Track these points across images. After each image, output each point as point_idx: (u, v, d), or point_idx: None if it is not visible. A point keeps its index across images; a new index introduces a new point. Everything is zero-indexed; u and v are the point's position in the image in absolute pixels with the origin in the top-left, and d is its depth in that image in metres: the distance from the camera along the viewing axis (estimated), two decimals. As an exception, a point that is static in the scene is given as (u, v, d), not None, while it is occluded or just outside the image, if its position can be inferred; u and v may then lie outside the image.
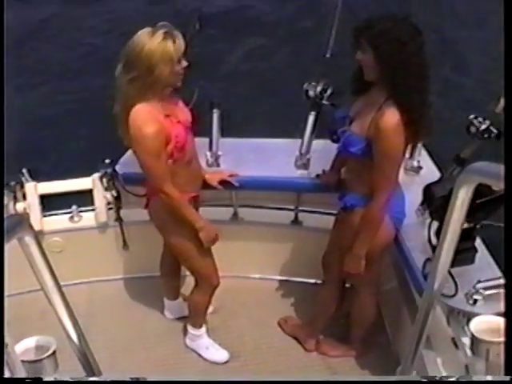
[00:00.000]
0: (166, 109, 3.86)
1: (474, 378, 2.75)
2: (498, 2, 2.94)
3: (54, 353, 2.62)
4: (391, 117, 3.56)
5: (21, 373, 2.32)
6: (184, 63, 3.74)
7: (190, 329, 4.70)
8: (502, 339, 2.72)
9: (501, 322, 2.82)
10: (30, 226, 2.41)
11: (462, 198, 2.59)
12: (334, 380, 2.95)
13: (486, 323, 2.86)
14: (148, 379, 2.29)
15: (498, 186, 2.78)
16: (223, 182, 4.47)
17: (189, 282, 4.74)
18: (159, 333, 4.90)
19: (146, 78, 3.69)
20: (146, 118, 3.75)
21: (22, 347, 2.62)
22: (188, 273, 4.69)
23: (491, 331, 2.80)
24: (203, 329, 4.70)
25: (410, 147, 3.85)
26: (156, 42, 3.64)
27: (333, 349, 4.68)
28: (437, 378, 2.79)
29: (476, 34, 10.32)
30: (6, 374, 2.18)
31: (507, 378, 2.10)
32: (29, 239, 2.38)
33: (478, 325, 2.85)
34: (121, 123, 3.87)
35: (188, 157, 4.03)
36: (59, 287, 2.54)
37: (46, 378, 2.51)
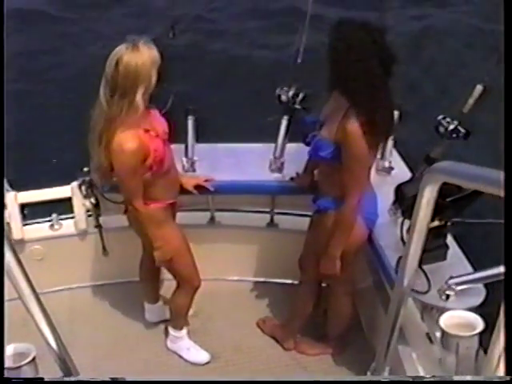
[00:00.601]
0: (144, 123, 3.86)
1: (474, 378, 2.76)
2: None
3: (33, 359, 2.61)
4: (355, 122, 3.62)
5: None
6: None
7: (171, 331, 4.70)
8: (471, 333, 2.75)
9: (470, 316, 2.85)
10: (6, 236, 2.40)
11: (427, 197, 2.61)
12: (315, 380, 2.96)
13: (456, 318, 2.89)
14: (127, 379, 2.30)
15: (463, 184, 2.81)
16: (199, 187, 4.47)
17: (168, 285, 4.74)
18: (140, 336, 4.90)
19: (135, 91, 3.69)
20: (127, 134, 3.75)
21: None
22: (167, 276, 4.69)
23: (461, 326, 2.83)
24: (184, 331, 4.70)
25: (378, 147, 3.88)
26: (141, 59, 3.65)
27: (311, 347, 4.70)
28: (435, 379, 2.80)
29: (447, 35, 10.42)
30: None
31: (507, 378, 2.12)
32: (5, 249, 2.37)
33: (448, 319, 2.88)
34: (99, 144, 3.84)
35: (166, 167, 4.03)
36: (36, 295, 2.54)
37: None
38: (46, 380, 2.44)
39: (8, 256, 2.38)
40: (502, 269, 2.77)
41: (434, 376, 3.39)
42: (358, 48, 3.57)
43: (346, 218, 3.89)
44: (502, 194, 2.07)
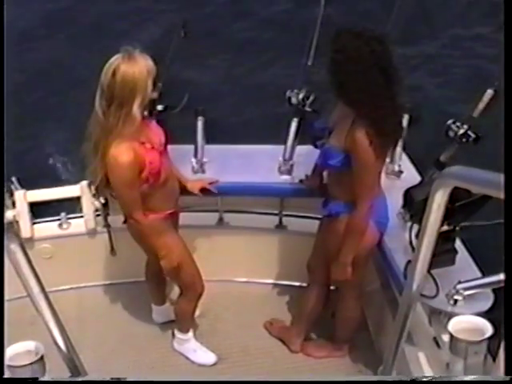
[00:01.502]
0: (140, 135, 3.84)
1: (474, 378, 2.75)
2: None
3: (41, 358, 2.61)
4: (363, 131, 3.63)
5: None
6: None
7: (177, 333, 4.70)
8: (480, 338, 2.74)
9: (479, 321, 2.84)
10: (16, 234, 2.41)
11: (438, 202, 2.61)
12: (321, 380, 2.96)
13: (465, 323, 2.88)
14: (128, 379, 2.30)
15: (473, 189, 2.80)
16: (204, 190, 4.46)
17: (175, 287, 4.74)
18: (147, 337, 4.89)
19: (125, 108, 3.68)
20: (122, 147, 3.74)
21: (11, 352, 2.61)
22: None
23: (470, 331, 2.83)
24: (190, 333, 4.69)
25: (387, 154, 3.88)
26: (136, 69, 3.64)
27: (318, 350, 4.68)
28: (435, 379, 2.80)
29: (457, 40, 10.37)
30: None
31: (507, 378, 2.11)
32: (14, 247, 2.37)
33: (456, 324, 2.87)
34: (95, 155, 3.83)
35: (163, 178, 4.01)
36: (45, 294, 2.54)
37: (42, 378, 2.52)
38: (45, 380, 2.45)
39: (18, 254, 2.38)
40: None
41: (433, 376, 3.38)
42: (355, 58, 3.57)
43: (356, 224, 3.89)
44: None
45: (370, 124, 3.61)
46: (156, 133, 4.03)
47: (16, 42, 9.95)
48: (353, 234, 3.92)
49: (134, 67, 3.63)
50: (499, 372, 2.34)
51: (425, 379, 2.74)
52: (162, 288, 4.91)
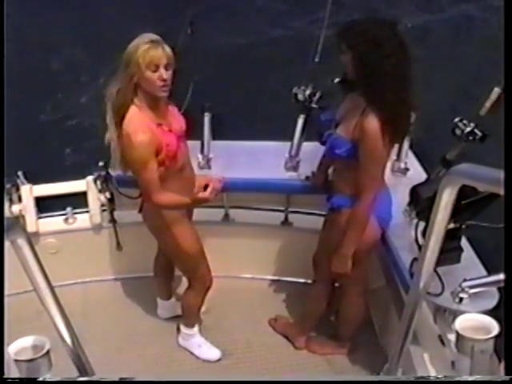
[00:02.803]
0: (158, 117, 3.85)
1: (474, 378, 2.74)
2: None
3: (47, 352, 2.61)
4: (373, 119, 3.60)
5: (13, 374, 2.32)
6: (163, 74, 3.68)
7: (182, 328, 4.71)
8: (486, 337, 2.73)
9: (485, 319, 2.83)
10: (23, 229, 2.40)
11: (446, 200, 2.59)
12: (321, 380, 2.95)
13: (471, 321, 2.86)
14: (136, 379, 2.29)
15: (481, 187, 2.79)
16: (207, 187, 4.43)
17: (182, 282, 4.74)
18: (152, 332, 4.89)
19: (125, 76, 3.71)
20: (137, 126, 3.73)
21: (17, 347, 2.61)
22: (181, 273, 4.68)
23: (476, 329, 2.81)
24: (196, 328, 4.70)
25: (395, 148, 3.87)
26: (136, 43, 3.67)
27: (322, 347, 4.68)
28: (436, 379, 2.79)
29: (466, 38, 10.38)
30: None
31: (507, 378, 2.10)
32: (21, 242, 2.37)
33: (463, 322, 2.85)
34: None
35: (180, 164, 4.00)
36: (52, 289, 2.53)
37: (41, 378, 2.51)
38: (44, 380, 2.45)
39: (25, 249, 2.38)
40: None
41: (435, 376, 3.38)
42: (386, 45, 3.55)
43: (359, 216, 3.88)
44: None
45: (384, 112, 3.59)
46: (177, 119, 4.05)
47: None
48: (355, 225, 3.90)
49: (135, 43, 3.67)
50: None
51: (425, 379, 2.73)
52: (169, 282, 4.92)
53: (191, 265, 4.37)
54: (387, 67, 3.55)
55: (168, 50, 3.71)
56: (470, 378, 2.72)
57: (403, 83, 3.64)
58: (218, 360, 4.65)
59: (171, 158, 3.89)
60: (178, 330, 4.76)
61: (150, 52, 3.63)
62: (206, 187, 4.20)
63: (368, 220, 3.89)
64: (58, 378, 2.38)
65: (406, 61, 3.63)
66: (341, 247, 3.97)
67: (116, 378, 2.24)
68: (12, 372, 2.29)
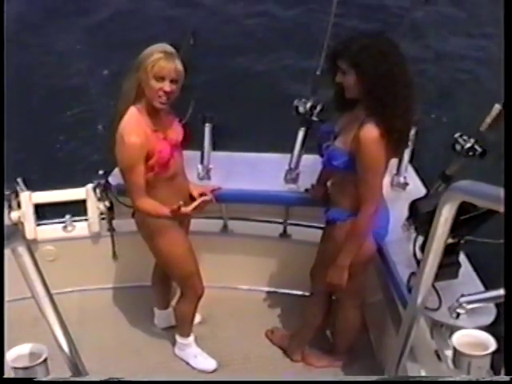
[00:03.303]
0: (155, 124, 3.89)
1: (474, 378, 2.75)
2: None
3: (45, 360, 2.61)
4: (371, 129, 3.60)
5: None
6: (165, 86, 3.72)
7: (178, 338, 4.70)
8: (484, 353, 2.72)
9: (482, 336, 2.83)
10: (23, 237, 2.41)
11: (445, 215, 2.60)
12: (321, 380, 2.95)
13: (468, 337, 2.86)
14: (124, 379, 2.29)
15: (481, 204, 2.80)
16: (203, 195, 4.42)
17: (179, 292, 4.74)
18: (148, 341, 4.89)
19: (134, 78, 3.77)
20: (133, 127, 3.78)
21: (14, 354, 2.61)
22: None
23: (473, 345, 2.81)
24: (191, 338, 4.69)
25: (394, 162, 3.87)
26: (150, 50, 3.74)
27: (318, 360, 4.67)
28: (435, 379, 2.79)
29: (465, 52, 10.40)
30: None
31: (507, 378, 2.10)
32: (22, 250, 2.38)
33: (460, 338, 2.85)
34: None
35: (172, 173, 4.01)
36: (51, 297, 2.54)
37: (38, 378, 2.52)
38: (44, 380, 2.45)
39: (25, 257, 2.39)
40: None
41: (434, 376, 3.37)
42: (392, 54, 3.57)
43: (359, 227, 3.86)
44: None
45: (382, 122, 3.59)
46: (174, 128, 4.07)
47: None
48: (354, 237, 3.89)
49: (149, 50, 3.75)
50: None
51: (424, 379, 2.73)
52: (167, 292, 4.91)
53: (182, 272, 4.36)
54: (397, 76, 3.57)
55: (179, 65, 3.76)
56: (470, 379, 2.72)
57: (411, 90, 3.65)
58: (214, 371, 4.63)
59: (162, 165, 3.90)
60: (174, 340, 4.74)
61: (160, 62, 3.69)
62: (201, 195, 4.22)
63: (368, 232, 3.89)
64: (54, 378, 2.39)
65: (408, 70, 3.65)
66: (338, 258, 3.96)
67: (104, 378, 2.25)
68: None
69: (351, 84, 3.67)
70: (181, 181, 4.17)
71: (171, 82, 3.73)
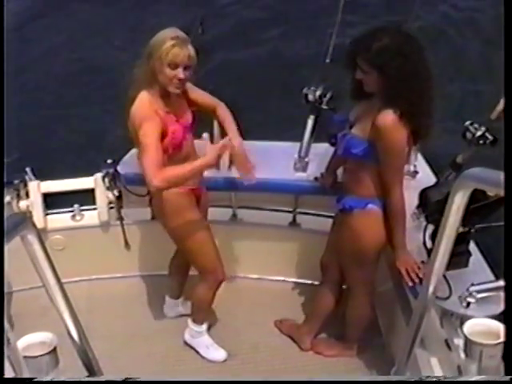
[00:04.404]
0: (167, 106, 3.93)
1: (474, 378, 2.75)
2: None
3: (54, 349, 2.62)
4: (389, 114, 3.59)
5: (23, 369, 2.33)
6: (180, 74, 3.76)
7: (191, 325, 4.64)
8: (495, 342, 2.72)
9: (494, 324, 2.83)
10: (33, 225, 2.41)
11: (457, 203, 2.60)
12: (321, 380, 2.95)
13: (480, 326, 2.86)
14: (140, 379, 2.29)
15: (493, 191, 2.79)
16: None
17: (194, 282, 4.73)
18: (158, 330, 4.89)
19: (146, 65, 3.80)
20: (146, 109, 3.82)
21: (24, 343, 2.62)
22: (194, 273, 4.64)
23: (484, 334, 2.81)
24: (204, 326, 4.65)
25: (411, 143, 3.84)
26: (162, 37, 3.75)
27: (328, 348, 4.67)
28: (437, 379, 2.79)
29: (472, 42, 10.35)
30: (8, 371, 2.19)
31: (507, 378, 2.12)
32: (31, 237, 2.38)
33: (471, 327, 2.85)
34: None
35: (185, 154, 4.04)
36: (61, 285, 2.55)
37: (43, 379, 2.52)
38: (44, 380, 2.46)
39: (35, 245, 2.39)
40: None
41: (435, 376, 3.38)
42: (412, 53, 3.56)
43: (398, 208, 3.84)
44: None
45: (400, 109, 3.58)
46: (185, 111, 4.11)
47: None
48: (398, 220, 3.86)
49: (162, 37, 3.77)
50: None
51: (424, 379, 2.74)
52: (182, 282, 4.90)
53: (203, 257, 4.33)
54: (421, 74, 3.58)
55: (192, 50, 3.79)
56: (470, 379, 2.73)
57: (431, 85, 3.64)
58: (224, 361, 4.63)
59: (176, 146, 3.95)
60: (184, 329, 4.72)
61: (173, 50, 3.72)
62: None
63: (405, 210, 3.88)
64: (62, 378, 2.39)
65: (428, 62, 3.64)
66: (396, 244, 3.92)
67: (120, 378, 2.25)
68: (20, 369, 2.30)
69: (372, 82, 3.68)
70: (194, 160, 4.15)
71: (185, 68, 3.77)
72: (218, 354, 4.64)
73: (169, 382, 2.87)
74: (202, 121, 4.39)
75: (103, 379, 2.58)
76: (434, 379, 2.72)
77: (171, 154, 3.92)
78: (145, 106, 3.83)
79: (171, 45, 3.71)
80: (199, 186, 4.31)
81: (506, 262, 2.32)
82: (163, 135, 3.84)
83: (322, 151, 4.54)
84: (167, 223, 4.24)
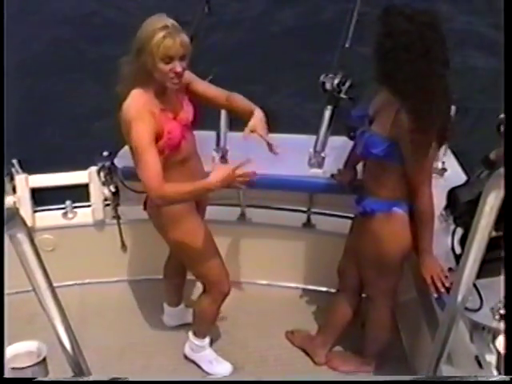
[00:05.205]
0: (163, 102, 3.86)
1: (474, 378, 2.76)
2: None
3: (44, 359, 2.63)
4: (413, 113, 3.58)
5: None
6: (176, 67, 3.68)
7: (192, 338, 4.63)
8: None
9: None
10: (23, 222, 2.40)
11: (491, 204, 2.58)
12: (321, 380, 2.95)
13: (514, 340, 2.85)
14: (128, 379, 2.30)
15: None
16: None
17: (193, 285, 4.73)
18: (157, 341, 4.90)
19: (136, 62, 3.73)
20: (138, 108, 3.74)
21: (11, 352, 2.62)
22: (193, 277, 4.63)
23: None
24: (207, 339, 4.64)
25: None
26: (150, 29, 3.65)
27: (344, 363, 4.66)
28: (439, 379, 2.79)
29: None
30: None
31: (507, 378, 2.14)
32: (21, 236, 2.37)
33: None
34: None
35: (184, 155, 4.00)
36: (53, 289, 2.55)
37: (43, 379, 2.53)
38: (44, 380, 2.46)
39: (25, 245, 2.39)
40: None
41: (436, 376, 3.37)
42: (405, 46, 3.51)
43: (426, 211, 3.82)
44: None
45: (415, 119, 3.57)
46: (185, 108, 4.04)
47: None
48: (426, 223, 3.84)
49: (151, 29, 3.66)
50: None
51: (424, 379, 2.73)
52: (180, 287, 4.90)
53: (205, 267, 4.30)
54: (408, 73, 3.55)
55: (185, 39, 3.70)
56: (471, 379, 2.73)
57: (432, 88, 3.61)
58: (229, 375, 4.62)
59: (173, 146, 3.89)
60: (185, 339, 4.71)
61: (165, 42, 3.62)
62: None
63: (434, 213, 3.86)
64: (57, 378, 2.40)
65: (438, 65, 3.61)
66: (423, 249, 3.91)
67: (108, 378, 2.27)
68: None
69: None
70: (193, 164, 4.13)
71: (180, 59, 3.70)
72: (222, 367, 4.64)
73: (158, 381, 2.87)
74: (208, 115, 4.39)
75: (91, 379, 2.58)
76: (436, 379, 2.73)
77: (168, 155, 3.87)
78: (137, 105, 3.76)
79: (162, 36, 3.61)
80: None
81: (507, 262, 2.31)
82: (158, 136, 3.78)
83: (340, 145, 4.54)
84: (165, 233, 4.21)
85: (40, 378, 2.47)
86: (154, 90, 3.82)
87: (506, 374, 2.24)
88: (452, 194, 3.79)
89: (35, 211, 5.05)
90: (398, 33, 3.52)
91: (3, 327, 2.18)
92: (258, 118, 4.05)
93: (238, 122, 4.86)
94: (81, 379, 2.74)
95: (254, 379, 4.37)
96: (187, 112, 4.05)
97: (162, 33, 3.62)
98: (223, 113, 4.79)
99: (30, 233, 2.42)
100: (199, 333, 4.63)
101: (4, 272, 2.21)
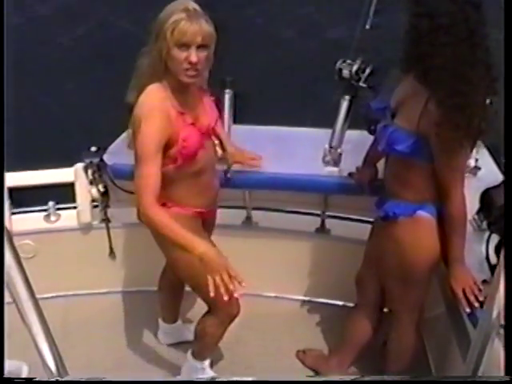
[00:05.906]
0: (183, 104, 3.74)
1: (474, 378, 2.78)
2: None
3: (26, 381, 2.62)
4: (446, 107, 3.54)
5: None
6: (192, 56, 3.53)
7: (190, 358, 4.59)
8: None
9: None
10: (2, 226, 2.40)
11: None
12: (321, 380, 2.96)
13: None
14: (107, 379, 2.31)
15: None
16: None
17: (192, 299, 4.71)
18: (149, 360, 4.91)
19: (154, 50, 3.60)
20: (153, 108, 3.63)
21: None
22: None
23: None
24: (207, 362, 4.60)
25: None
26: (170, 10, 3.55)
27: (363, 387, 4.66)
28: (437, 379, 2.79)
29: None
30: None
31: (507, 378, 2.26)
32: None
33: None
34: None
35: (200, 167, 3.88)
36: (35, 301, 2.54)
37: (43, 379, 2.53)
38: (44, 380, 2.46)
39: (6, 251, 2.38)
40: None
41: (435, 376, 3.36)
42: (445, 28, 3.45)
43: (458, 215, 3.77)
44: None
45: (447, 112, 3.53)
46: (207, 112, 3.95)
47: None
48: (458, 229, 3.79)
49: (169, 11, 3.55)
50: None
51: (425, 378, 2.72)
52: (177, 303, 4.88)
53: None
54: (445, 59, 3.48)
55: (207, 26, 3.57)
56: (471, 378, 2.73)
57: (469, 77, 3.58)
58: (230, 397, 4.62)
59: (187, 156, 3.76)
60: (183, 359, 4.71)
61: (180, 25, 3.50)
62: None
63: (466, 217, 3.81)
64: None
65: (480, 53, 3.57)
66: (453, 257, 3.86)
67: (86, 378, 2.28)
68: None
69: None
70: (209, 178, 4.04)
71: (198, 48, 3.55)
72: (223, 393, 4.61)
73: (135, 381, 2.88)
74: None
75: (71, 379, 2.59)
76: (434, 379, 2.72)
77: (181, 165, 3.77)
78: (152, 102, 3.65)
79: (179, 19, 3.49)
80: (211, 209, 4.23)
81: (507, 262, 2.35)
82: (171, 142, 3.67)
83: (359, 140, 4.53)
84: (167, 252, 4.14)
85: (40, 378, 2.47)
86: (173, 86, 3.70)
87: (506, 374, 2.31)
88: (486, 196, 3.79)
89: (13, 213, 5.04)
90: (438, 13, 3.49)
91: (3, 327, 2.17)
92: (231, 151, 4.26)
93: (244, 113, 4.89)
94: (79, 379, 2.74)
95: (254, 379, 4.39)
96: (210, 118, 3.97)
97: (182, 14, 3.51)
98: (227, 102, 4.78)
99: (11, 237, 2.41)
100: (200, 355, 4.58)
101: (4, 277, 2.20)
